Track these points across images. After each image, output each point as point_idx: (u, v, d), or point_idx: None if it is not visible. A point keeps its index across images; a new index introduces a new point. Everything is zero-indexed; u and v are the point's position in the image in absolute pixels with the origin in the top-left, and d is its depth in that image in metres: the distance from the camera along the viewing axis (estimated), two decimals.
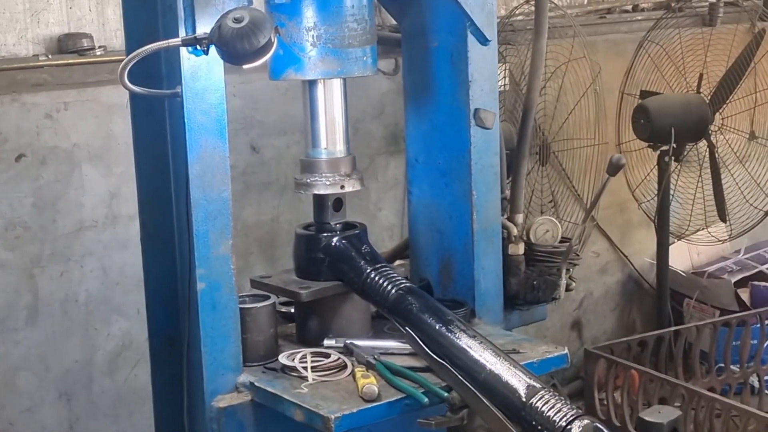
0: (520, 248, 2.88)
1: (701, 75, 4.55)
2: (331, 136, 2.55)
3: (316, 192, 2.56)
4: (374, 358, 2.37)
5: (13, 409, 3.63)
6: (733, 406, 3.48)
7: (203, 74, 2.28)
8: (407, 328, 2.39)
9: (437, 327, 2.34)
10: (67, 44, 3.53)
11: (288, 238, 3.44)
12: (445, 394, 2.24)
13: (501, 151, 2.81)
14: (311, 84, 2.52)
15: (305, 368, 2.36)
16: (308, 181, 2.55)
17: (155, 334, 2.68)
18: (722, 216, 4.55)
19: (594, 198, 2.77)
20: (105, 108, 3.62)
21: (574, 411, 2.04)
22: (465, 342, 2.27)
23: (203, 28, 2.23)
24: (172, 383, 2.56)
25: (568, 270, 2.92)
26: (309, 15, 2.41)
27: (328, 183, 2.54)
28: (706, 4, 5.09)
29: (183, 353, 2.45)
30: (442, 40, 2.69)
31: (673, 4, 4.86)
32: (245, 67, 2.22)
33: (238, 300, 2.41)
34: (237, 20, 2.13)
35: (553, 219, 3.06)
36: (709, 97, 4.45)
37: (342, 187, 2.54)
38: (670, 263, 4.55)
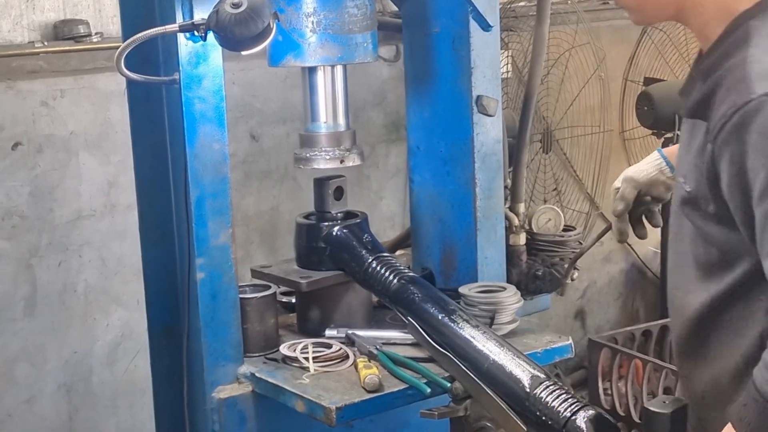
0: (521, 238, 2.86)
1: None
2: (331, 111, 2.50)
3: (316, 166, 2.50)
4: (376, 349, 2.34)
5: (11, 401, 3.61)
6: None
7: (201, 60, 2.25)
8: (409, 318, 2.37)
9: (440, 317, 2.31)
10: (63, 31, 3.50)
11: (288, 227, 3.42)
12: (448, 385, 2.22)
13: (503, 139, 2.77)
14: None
15: (307, 359, 2.34)
16: (307, 155, 2.50)
17: (154, 325, 2.65)
18: None
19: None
20: (102, 96, 3.59)
21: (579, 401, 2.02)
22: (468, 332, 2.25)
23: (201, 13, 2.19)
24: (172, 374, 2.53)
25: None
26: (308, 0, 2.37)
27: (327, 157, 2.49)
28: None
29: (183, 343, 2.42)
30: (444, 26, 2.65)
31: None
32: (244, 53, 2.19)
33: (238, 290, 2.39)
34: (235, 5, 2.10)
35: (555, 208, 3.04)
36: None
37: (342, 161, 2.49)
38: None
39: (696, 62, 1.84)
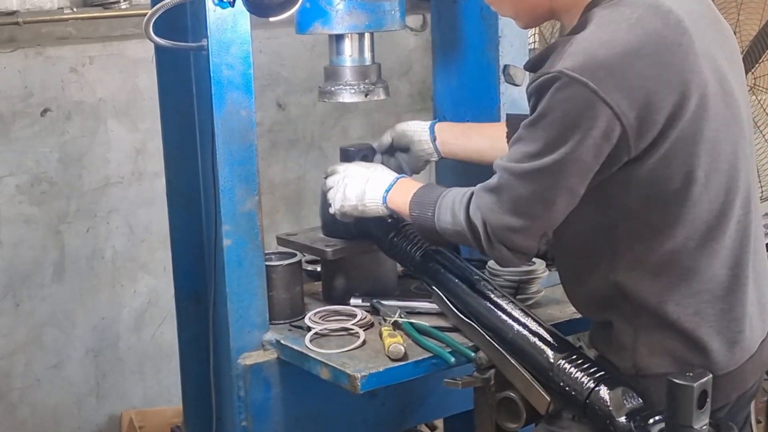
0: None
1: (734, 33, 4.46)
2: (357, 45, 2.46)
3: (340, 100, 2.48)
4: (401, 317, 2.35)
5: (39, 365, 3.66)
6: None
7: (229, 27, 2.25)
8: (434, 288, 2.37)
9: (464, 286, 2.31)
10: None
11: (314, 196, 3.42)
12: (472, 354, 2.22)
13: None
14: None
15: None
16: (332, 89, 2.47)
17: (181, 291, 2.67)
18: None
19: None
20: (130, 62, 3.60)
21: (603, 372, 2.02)
22: (493, 302, 2.25)
23: None
24: (198, 340, 2.56)
25: None
26: None
27: (352, 91, 2.47)
28: None
29: (209, 310, 2.44)
30: None
31: None
32: (272, 19, 2.18)
33: (264, 257, 2.40)
34: None
35: None
36: (742, 57, 4.36)
37: (366, 95, 2.47)
38: None
39: None
